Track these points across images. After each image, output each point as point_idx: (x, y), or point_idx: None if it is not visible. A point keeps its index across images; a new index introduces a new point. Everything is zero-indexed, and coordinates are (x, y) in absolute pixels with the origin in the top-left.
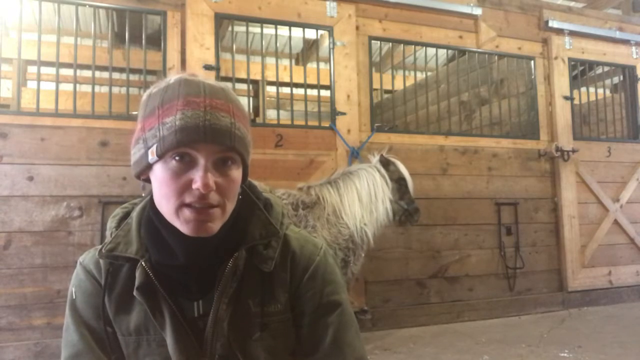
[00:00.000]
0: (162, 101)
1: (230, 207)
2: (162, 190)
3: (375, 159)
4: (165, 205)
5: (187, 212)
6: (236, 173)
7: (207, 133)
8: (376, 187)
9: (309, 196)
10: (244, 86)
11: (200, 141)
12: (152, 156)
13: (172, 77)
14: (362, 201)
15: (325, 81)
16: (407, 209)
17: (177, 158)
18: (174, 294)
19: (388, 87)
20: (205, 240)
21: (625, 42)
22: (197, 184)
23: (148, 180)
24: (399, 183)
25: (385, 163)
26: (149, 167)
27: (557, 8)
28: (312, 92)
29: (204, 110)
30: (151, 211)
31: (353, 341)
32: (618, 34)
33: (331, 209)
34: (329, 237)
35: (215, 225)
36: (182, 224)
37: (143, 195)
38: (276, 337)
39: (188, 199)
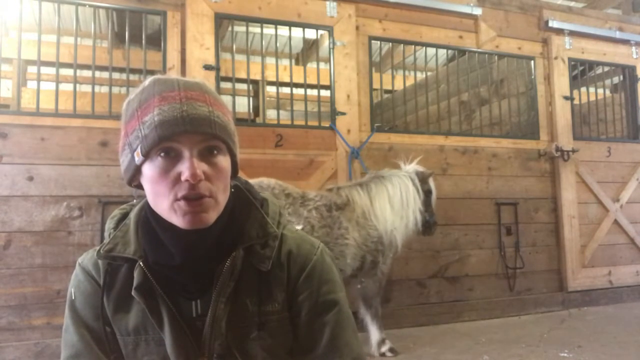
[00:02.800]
0: (139, 103)
1: (223, 197)
2: (154, 189)
3: (409, 168)
4: (159, 203)
5: (181, 205)
6: (224, 162)
7: (186, 123)
8: (408, 195)
9: (340, 197)
10: (244, 86)
11: (180, 132)
12: (138, 157)
13: (147, 80)
14: (393, 206)
15: (325, 81)
16: (428, 220)
17: (162, 154)
18: (172, 294)
19: (388, 87)
20: (201, 237)
21: (625, 42)
22: (185, 175)
23: (141, 186)
24: (427, 195)
25: (422, 178)
26: (138, 170)
27: (557, 8)
28: (312, 92)
29: (180, 102)
30: (148, 212)
31: (350, 340)
32: (618, 34)
33: (360, 211)
34: (359, 239)
35: (210, 216)
36: (178, 218)
37: (135, 200)
38: (274, 336)
39: (180, 192)
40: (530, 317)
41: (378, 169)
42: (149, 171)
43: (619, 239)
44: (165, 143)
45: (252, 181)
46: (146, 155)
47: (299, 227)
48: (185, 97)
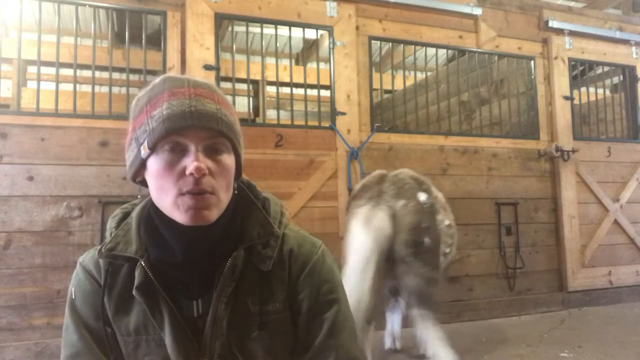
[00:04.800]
0: (149, 98)
1: (225, 196)
2: (158, 183)
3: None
4: (163, 198)
5: (185, 200)
6: (228, 160)
7: (194, 117)
8: None
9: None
10: (244, 86)
11: (187, 126)
12: (144, 151)
13: (157, 78)
14: None
15: (325, 81)
16: None
17: (168, 148)
18: (173, 294)
19: (388, 87)
20: (203, 234)
21: (625, 42)
22: (189, 169)
23: (144, 183)
24: None
25: None
26: (143, 165)
27: (557, 8)
28: (312, 92)
29: (189, 97)
30: (151, 208)
31: (347, 341)
32: (618, 34)
33: None
34: None
35: (212, 214)
36: (180, 214)
37: (139, 197)
38: (275, 336)
39: (184, 187)
40: (530, 317)
41: (379, 169)
42: (154, 165)
43: (619, 239)
44: (172, 137)
45: (395, 171)
46: (152, 149)
47: (447, 223)
48: (194, 94)
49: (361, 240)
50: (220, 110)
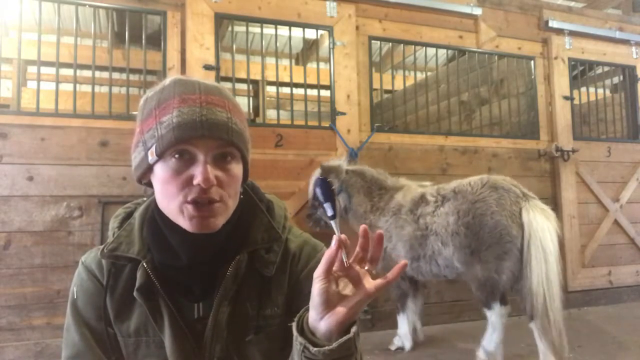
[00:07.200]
0: (158, 102)
1: (232, 203)
2: (164, 189)
3: None
4: (168, 204)
5: (190, 209)
6: (236, 169)
7: (204, 127)
8: None
9: None
10: (244, 86)
11: (197, 136)
12: (151, 157)
13: (167, 79)
14: None
15: (325, 81)
16: None
17: (176, 156)
18: (174, 296)
19: (388, 87)
20: (208, 239)
21: (625, 42)
22: (197, 179)
23: (150, 184)
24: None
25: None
26: (150, 169)
27: (557, 8)
28: (312, 92)
29: (200, 106)
30: (155, 211)
31: None
32: (618, 34)
33: None
34: None
35: (218, 221)
36: (185, 220)
37: (145, 198)
38: (273, 340)
39: (190, 195)
40: None
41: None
42: (161, 171)
43: (619, 239)
44: (181, 145)
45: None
46: (160, 155)
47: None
48: (205, 102)
49: (553, 231)
50: (230, 119)
